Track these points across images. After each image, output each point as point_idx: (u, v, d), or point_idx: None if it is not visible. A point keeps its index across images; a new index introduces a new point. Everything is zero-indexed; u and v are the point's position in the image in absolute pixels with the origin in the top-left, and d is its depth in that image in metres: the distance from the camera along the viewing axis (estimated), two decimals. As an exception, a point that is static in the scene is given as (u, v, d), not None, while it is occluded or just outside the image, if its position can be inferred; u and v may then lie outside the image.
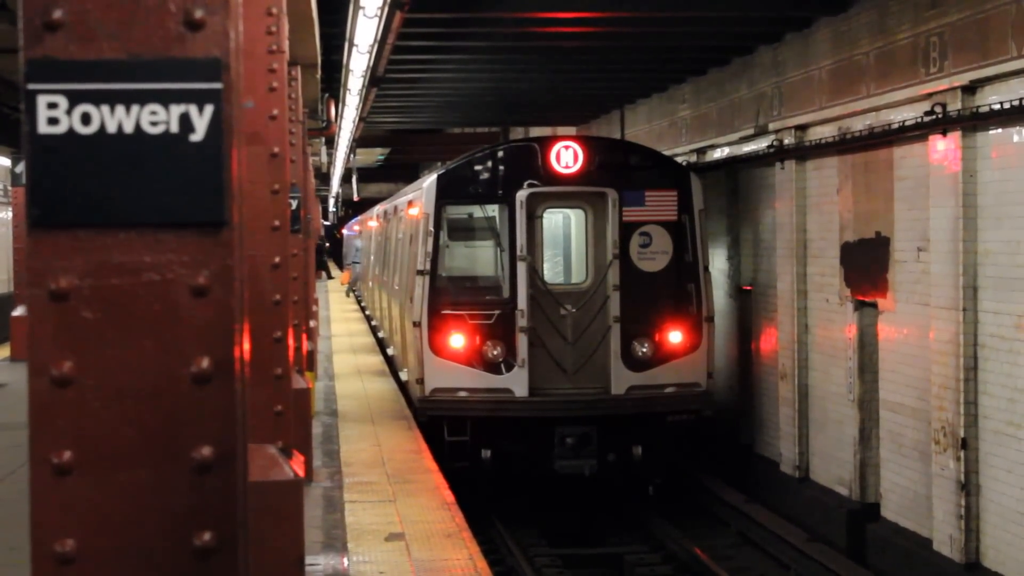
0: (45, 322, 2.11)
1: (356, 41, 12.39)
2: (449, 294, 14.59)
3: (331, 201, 55.73)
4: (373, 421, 13.98)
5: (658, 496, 14.92)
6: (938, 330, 11.46)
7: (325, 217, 57.91)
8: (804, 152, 14.78)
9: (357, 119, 20.68)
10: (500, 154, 14.99)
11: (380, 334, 22.95)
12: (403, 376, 16.47)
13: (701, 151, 18.37)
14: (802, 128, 14.83)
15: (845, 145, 13.57)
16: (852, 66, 13.36)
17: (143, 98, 2.12)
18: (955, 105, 11.12)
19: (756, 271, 16.65)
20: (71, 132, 2.12)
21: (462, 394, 14.33)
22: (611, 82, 19.83)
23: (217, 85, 2.13)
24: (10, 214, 22.22)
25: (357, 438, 12.76)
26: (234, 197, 2.15)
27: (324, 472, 10.92)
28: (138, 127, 2.12)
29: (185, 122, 2.13)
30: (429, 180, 15.32)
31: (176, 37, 2.12)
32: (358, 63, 13.79)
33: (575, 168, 14.58)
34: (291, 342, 6.72)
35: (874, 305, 13.15)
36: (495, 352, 14.30)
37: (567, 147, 14.65)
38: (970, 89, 11.00)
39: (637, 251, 14.59)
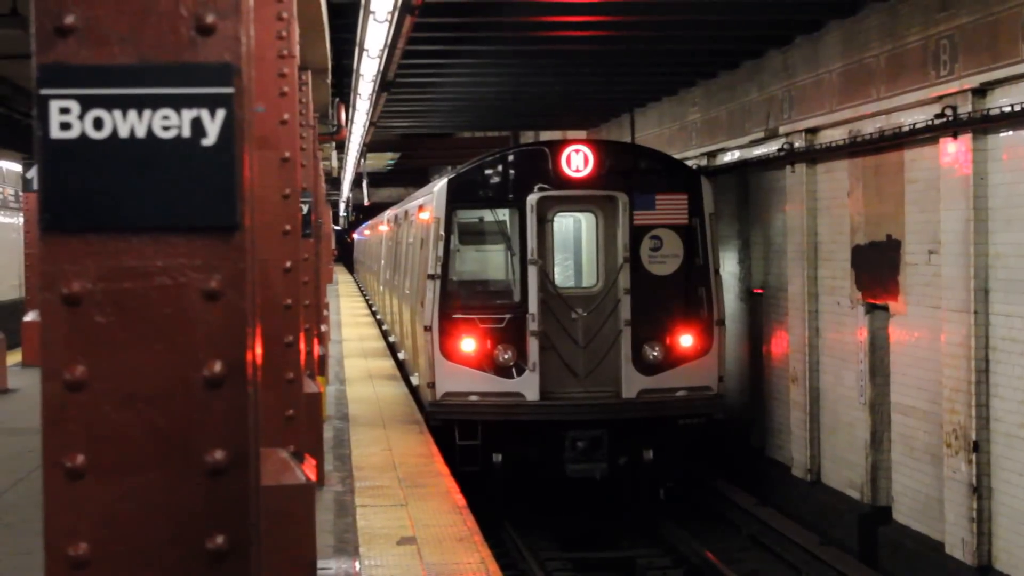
0: (58, 326, 2.12)
1: (366, 45, 12.40)
2: (460, 298, 14.60)
3: (342, 205, 55.79)
4: (384, 425, 13.98)
5: (669, 499, 14.89)
6: (949, 333, 11.43)
7: (336, 221, 57.98)
8: (814, 155, 14.76)
9: (367, 123, 20.70)
10: (510, 158, 15.00)
11: (391, 338, 22.96)
12: (414, 380, 16.47)
13: (711, 154, 18.36)
14: (812, 131, 14.81)
15: (856, 148, 13.55)
16: (862, 69, 13.34)
17: (155, 103, 2.13)
18: (965, 108, 11.09)
19: (767, 274, 16.62)
20: (83, 137, 2.12)
21: (473, 398, 14.33)
22: (621, 86, 19.83)
23: (229, 89, 2.14)
24: (22, 219, 22.29)
25: (368, 442, 12.76)
26: (246, 201, 2.16)
27: (335, 476, 10.92)
28: (150, 131, 2.13)
29: (197, 126, 2.13)
30: (440, 184, 15.33)
31: (188, 42, 2.13)
32: (368, 67, 13.81)
33: (585, 172, 14.58)
34: (302, 346, 6.73)
35: (885, 308, 13.12)
36: (506, 356, 14.30)
37: (577, 151, 14.65)
38: (980, 92, 10.98)
39: (648, 255, 14.59)
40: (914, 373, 12.42)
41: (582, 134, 25.87)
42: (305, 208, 8.85)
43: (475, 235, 14.94)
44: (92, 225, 2.12)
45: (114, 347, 2.12)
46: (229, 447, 2.12)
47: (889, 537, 12.82)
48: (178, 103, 2.13)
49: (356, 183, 43.77)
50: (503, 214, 14.71)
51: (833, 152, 14.20)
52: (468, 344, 14.37)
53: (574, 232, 15.40)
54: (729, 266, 17.33)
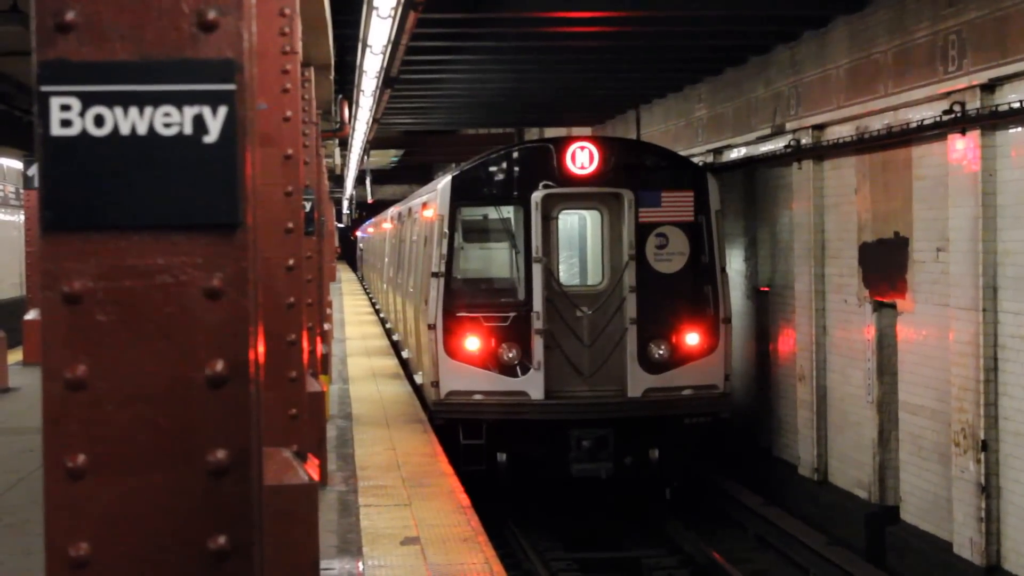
0: (58, 325, 2.10)
1: (370, 42, 12.39)
2: (464, 296, 14.57)
3: (345, 203, 55.80)
4: (388, 424, 13.96)
5: (675, 499, 14.87)
6: (958, 331, 11.39)
7: (339, 219, 58.01)
8: (822, 152, 14.72)
9: (371, 120, 20.70)
10: (515, 155, 14.97)
11: (395, 337, 22.95)
12: (418, 379, 16.45)
13: (718, 151, 18.32)
14: (819, 128, 14.77)
15: (863, 145, 13.51)
16: (870, 65, 13.30)
17: (156, 100, 2.11)
18: (974, 104, 11.05)
19: (773, 272, 16.58)
20: (84, 134, 2.11)
21: (477, 397, 14.31)
22: (626, 82, 19.80)
23: (231, 86, 2.12)
24: (22, 217, 22.30)
25: (372, 442, 12.74)
26: (248, 199, 2.14)
27: (339, 476, 10.90)
28: (151, 129, 2.11)
29: (199, 123, 2.11)
30: (444, 182, 15.30)
31: (189, 38, 2.11)
32: (372, 64, 13.79)
33: (590, 169, 14.54)
34: (305, 345, 6.70)
35: (893, 306, 13.08)
36: (511, 355, 14.27)
37: (582, 148, 14.62)
38: (989, 87, 10.94)
39: (653, 252, 14.55)
40: (922, 371, 12.38)
41: (587, 131, 25.84)
42: (308, 205, 8.82)
43: (479, 233, 14.91)
44: (93, 223, 2.10)
45: (115, 346, 2.10)
46: (231, 446, 2.10)
47: (897, 537, 12.78)
48: (180, 100, 2.11)
49: (359, 180, 43.76)
50: (507, 211, 14.68)
51: (840, 149, 14.15)
52: (472, 342, 14.34)
53: (579, 229, 15.36)
54: (735, 264, 17.29)
